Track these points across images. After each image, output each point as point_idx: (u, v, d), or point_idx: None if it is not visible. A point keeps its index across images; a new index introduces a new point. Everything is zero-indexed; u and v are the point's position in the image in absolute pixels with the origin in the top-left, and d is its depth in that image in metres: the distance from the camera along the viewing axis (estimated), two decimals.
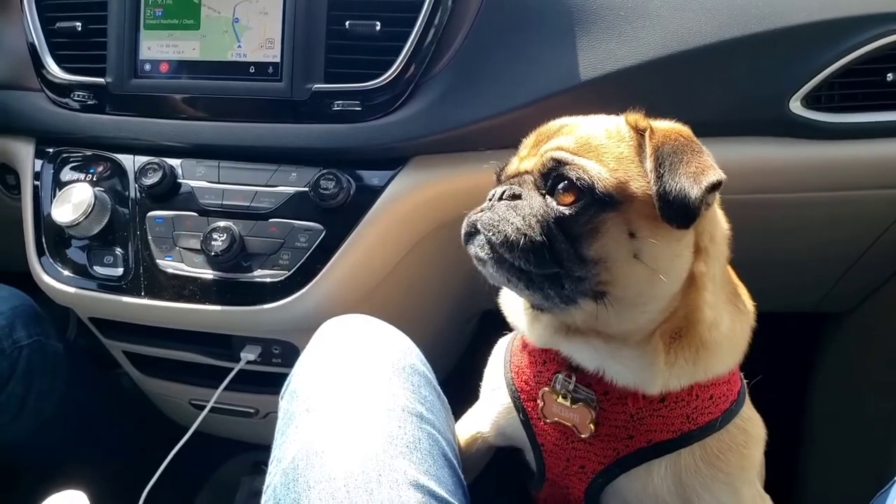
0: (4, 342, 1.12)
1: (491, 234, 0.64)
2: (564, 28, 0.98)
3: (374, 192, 1.01)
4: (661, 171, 0.60)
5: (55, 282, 1.09)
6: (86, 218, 1.03)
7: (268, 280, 1.01)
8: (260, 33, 1.02)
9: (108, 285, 1.07)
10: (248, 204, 1.02)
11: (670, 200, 0.59)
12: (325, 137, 1.01)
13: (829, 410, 1.50)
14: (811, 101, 0.95)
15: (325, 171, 1.00)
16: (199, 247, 1.01)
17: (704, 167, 0.60)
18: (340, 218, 1.00)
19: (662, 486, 0.70)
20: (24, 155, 1.15)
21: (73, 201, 1.04)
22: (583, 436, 0.72)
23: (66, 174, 1.11)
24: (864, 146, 0.96)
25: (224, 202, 1.03)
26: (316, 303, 1.01)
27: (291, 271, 1.00)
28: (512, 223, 0.63)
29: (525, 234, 0.62)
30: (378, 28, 0.98)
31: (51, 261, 1.10)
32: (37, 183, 1.13)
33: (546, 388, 0.75)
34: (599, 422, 0.71)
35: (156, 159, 1.06)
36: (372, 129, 0.99)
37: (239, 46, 1.03)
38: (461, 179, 1.01)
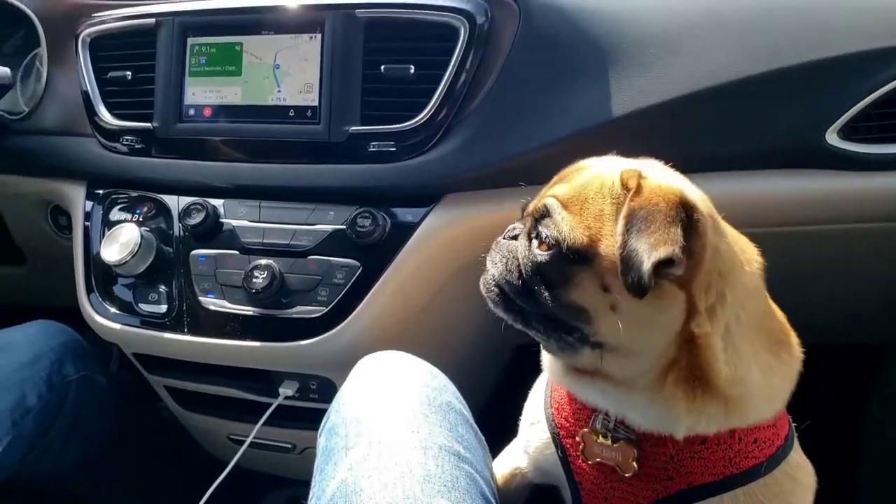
0: (54, 377, 1.16)
1: (491, 272, 0.70)
2: (595, 65, 1.00)
3: (409, 229, 1.03)
4: (627, 237, 0.59)
5: (102, 318, 1.13)
6: (132, 257, 1.07)
7: (306, 316, 1.03)
8: (299, 78, 1.06)
9: (152, 322, 1.10)
10: (287, 242, 1.05)
11: (628, 267, 0.58)
12: (361, 177, 1.03)
13: (884, 451, 1.44)
14: (848, 133, 0.94)
15: (361, 209, 1.02)
16: (240, 284, 1.04)
17: (661, 241, 0.57)
18: (376, 254, 1.02)
19: None
20: (76, 196, 1.21)
21: (121, 241, 1.08)
22: (626, 475, 0.71)
23: (115, 214, 1.16)
24: None
25: (265, 240, 1.06)
26: (353, 338, 1.02)
27: (329, 307, 1.02)
28: (499, 264, 0.70)
29: (506, 277, 0.68)
30: (412, 71, 1.01)
31: (98, 298, 1.14)
32: (87, 223, 1.18)
33: (586, 430, 0.74)
34: (640, 461, 0.70)
35: (199, 200, 1.10)
36: (406, 168, 1.02)
37: (279, 91, 1.07)
38: (493, 215, 1.02)
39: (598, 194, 0.64)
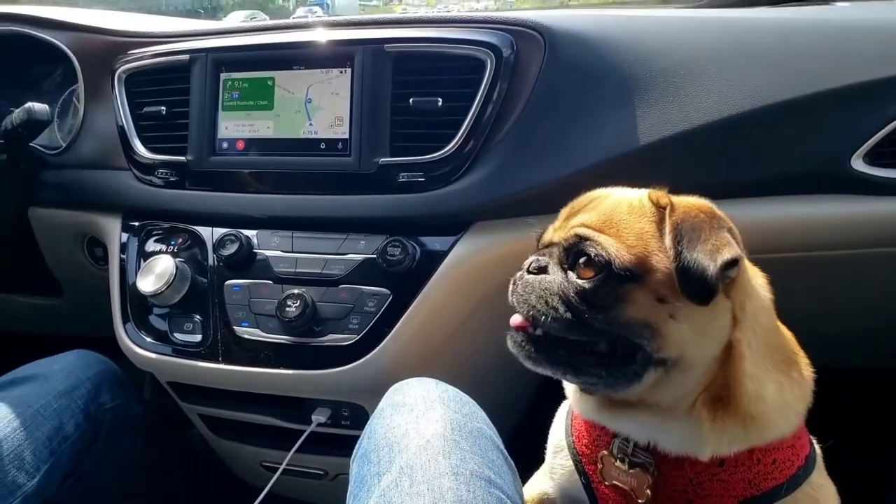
0: (91, 406, 1.18)
1: (525, 311, 0.68)
2: (620, 95, 1.02)
3: (438, 257, 1.05)
4: (680, 248, 0.62)
5: (138, 348, 1.15)
6: (168, 287, 1.10)
7: (338, 344, 1.05)
8: (330, 112, 1.09)
9: (187, 351, 1.12)
10: (319, 271, 1.07)
11: (689, 276, 0.61)
12: (391, 207, 1.06)
13: None
14: (874, 158, 0.95)
15: (391, 238, 1.04)
16: (273, 313, 1.06)
17: (721, 244, 0.62)
18: (406, 282, 1.04)
19: None
20: (112, 229, 1.24)
21: (157, 272, 1.11)
22: (640, 501, 0.72)
23: (150, 246, 1.19)
24: None
25: (297, 270, 1.09)
26: (384, 365, 1.04)
27: (360, 335, 1.04)
28: (539, 302, 0.67)
29: (550, 313, 0.66)
30: (440, 104, 1.04)
31: (134, 328, 1.17)
32: (123, 255, 1.21)
33: (605, 452, 0.75)
34: (658, 486, 0.71)
35: (233, 231, 1.13)
36: (435, 198, 1.04)
37: (310, 124, 1.10)
38: (520, 242, 1.03)
39: (630, 216, 0.66)
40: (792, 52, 1.00)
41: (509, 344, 0.72)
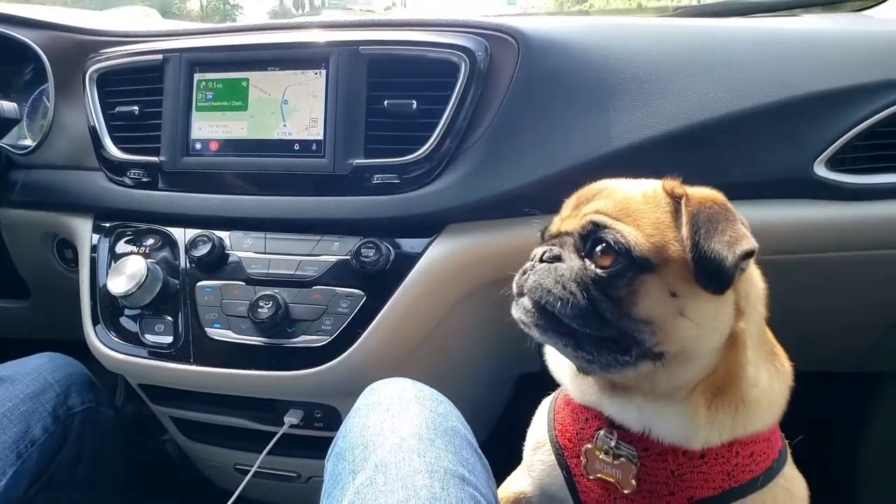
0: (59, 409, 1.16)
1: (538, 296, 0.67)
2: (591, 100, 1.03)
3: (412, 259, 1.05)
4: (697, 238, 0.62)
5: (108, 350, 1.14)
6: (139, 288, 1.09)
7: (311, 345, 1.04)
8: (305, 113, 1.09)
9: (158, 353, 1.11)
10: (292, 272, 1.07)
11: (706, 267, 0.61)
12: (365, 209, 1.06)
13: (883, 469, 1.46)
14: (835, 164, 0.98)
15: (365, 239, 1.05)
16: (245, 314, 1.05)
17: (739, 236, 0.63)
18: (380, 284, 1.04)
19: None
20: (83, 230, 1.22)
21: (128, 273, 1.10)
22: (625, 491, 0.73)
23: (121, 247, 1.18)
24: (889, 206, 0.99)
25: (270, 271, 1.08)
26: (356, 366, 1.04)
27: (333, 336, 1.04)
28: (556, 287, 0.66)
29: (569, 298, 0.65)
30: (414, 106, 1.04)
31: (105, 329, 1.15)
32: (93, 255, 1.19)
33: (589, 445, 0.76)
34: (641, 478, 0.72)
35: (205, 232, 1.12)
36: (409, 200, 1.05)
37: (284, 125, 1.10)
38: (494, 245, 1.05)
39: (646, 205, 0.67)
40: (759, 62, 1.02)
41: (514, 311, 0.71)
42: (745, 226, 0.66)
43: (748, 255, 0.63)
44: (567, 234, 0.71)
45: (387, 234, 1.06)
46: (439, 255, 1.05)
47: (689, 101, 0.99)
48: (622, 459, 0.73)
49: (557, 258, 0.69)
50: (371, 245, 1.04)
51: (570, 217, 0.72)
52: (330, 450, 0.84)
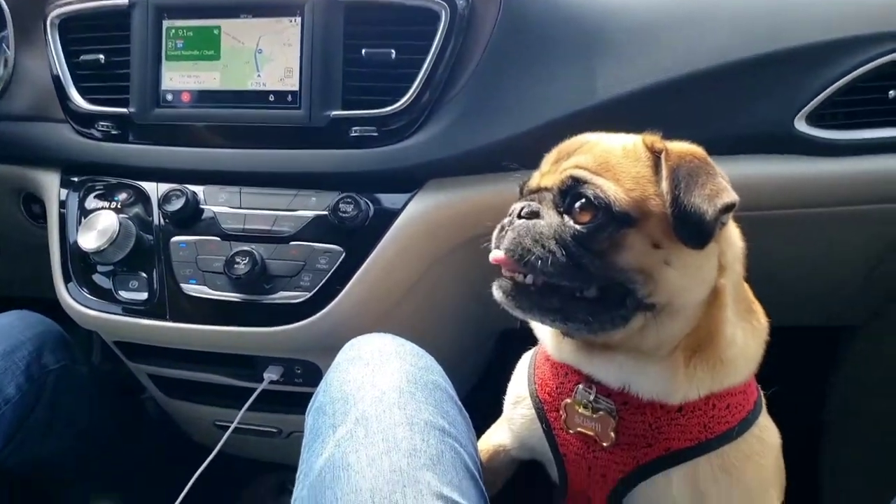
0: (33, 367, 1.15)
1: (517, 255, 0.66)
2: (575, 52, 1.01)
3: (392, 215, 1.04)
4: (677, 193, 0.62)
5: (81, 307, 1.11)
6: (111, 244, 1.06)
7: (289, 301, 1.03)
8: (280, 63, 1.05)
9: (133, 309, 1.09)
10: (269, 228, 1.05)
11: (686, 220, 0.61)
12: (343, 162, 1.04)
13: (847, 416, 1.52)
14: (816, 119, 0.98)
15: (343, 194, 1.03)
16: (222, 270, 1.03)
17: (719, 189, 0.63)
18: (359, 240, 1.03)
19: (681, 494, 0.72)
20: (50, 184, 1.18)
21: (99, 228, 1.07)
22: (604, 444, 0.74)
23: (91, 202, 1.14)
24: (868, 161, 0.99)
25: (246, 227, 1.06)
26: (336, 323, 1.03)
27: (312, 292, 1.03)
28: (535, 246, 0.65)
29: (548, 256, 0.64)
30: (393, 56, 1.01)
31: (77, 287, 1.12)
32: (62, 211, 1.16)
33: (568, 400, 0.77)
34: (619, 431, 0.73)
35: (178, 186, 1.09)
36: (389, 153, 1.03)
37: (259, 76, 1.07)
38: (476, 200, 1.04)
39: (625, 159, 0.66)
40: (745, 14, 1.01)
41: (496, 292, 0.70)
42: (725, 180, 0.65)
43: (728, 208, 0.63)
44: (546, 189, 0.70)
45: (366, 189, 1.04)
46: (420, 211, 1.04)
47: (672, 55, 0.98)
48: (601, 413, 0.74)
49: (536, 214, 0.68)
50: (350, 200, 1.02)
51: (550, 172, 0.71)
52: (310, 404, 0.84)
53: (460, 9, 1.00)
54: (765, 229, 1.06)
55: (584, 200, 0.65)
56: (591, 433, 0.75)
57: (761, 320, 0.75)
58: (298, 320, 1.03)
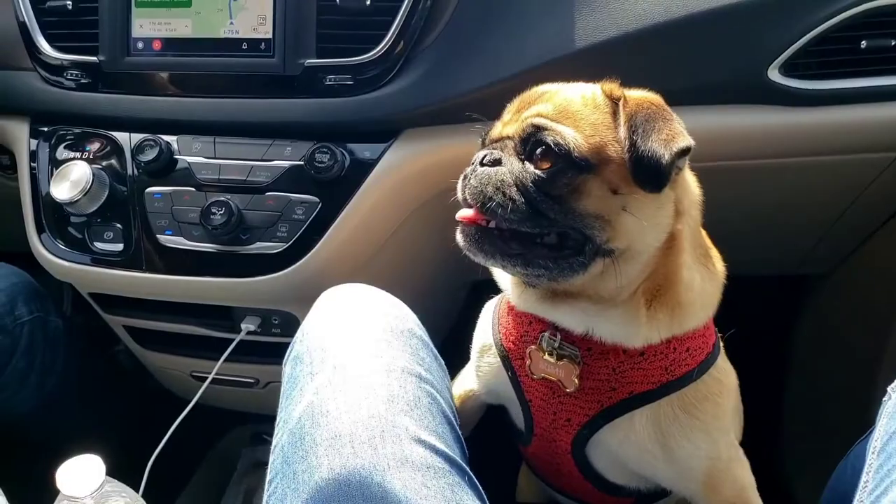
0: (6, 319, 1.14)
1: (478, 202, 0.67)
2: (550, 1, 1.00)
3: (368, 165, 1.03)
4: (635, 138, 0.63)
5: (55, 258, 1.11)
6: (84, 195, 1.05)
7: (266, 252, 1.03)
8: (253, 10, 1.03)
9: (108, 261, 1.09)
10: (244, 178, 1.05)
11: (643, 165, 0.63)
12: (318, 112, 1.03)
13: (810, 361, 1.56)
14: (789, 69, 0.98)
15: (319, 144, 1.02)
16: (198, 221, 1.03)
17: (674, 134, 0.64)
18: (336, 190, 1.03)
19: (644, 434, 0.74)
20: (20, 134, 1.16)
21: (72, 179, 1.05)
22: (568, 390, 0.76)
23: (63, 153, 1.12)
24: (839, 112, 1.00)
25: (221, 177, 1.05)
26: (313, 273, 1.03)
27: (289, 243, 1.03)
28: (496, 193, 0.67)
29: (508, 204, 0.66)
30: (368, 3, 1.00)
31: (50, 238, 1.11)
32: (33, 163, 1.14)
33: (533, 347, 0.78)
34: (583, 376, 0.75)
35: (152, 136, 1.07)
36: (364, 102, 1.02)
37: (231, 23, 1.05)
38: (451, 150, 1.04)
39: (585, 107, 0.67)
40: None
41: (459, 238, 0.71)
42: (680, 125, 0.67)
43: (684, 152, 0.64)
44: (508, 137, 0.71)
45: (341, 139, 1.04)
46: (395, 161, 1.04)
47: (645, 3, 0.97)
48: (565, 360, 0.75)
49: (498, 162, 0.69)
50: (325, 150, 1.02)
51: (511, 121, 0.72)
52: (287, 354, 0.85)
53: None
54: (735, 178, 1.08)
55: (544, 147, 0.66)
56: (554, 379, 0.76)
57: (718, 266, 0.76)
58: (276, 271, 1.04)
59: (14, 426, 1.24)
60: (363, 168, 1.03)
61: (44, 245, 1.11)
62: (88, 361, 1.36)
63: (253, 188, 1.04)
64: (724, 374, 0.78)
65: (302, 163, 1.03)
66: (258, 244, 1.04)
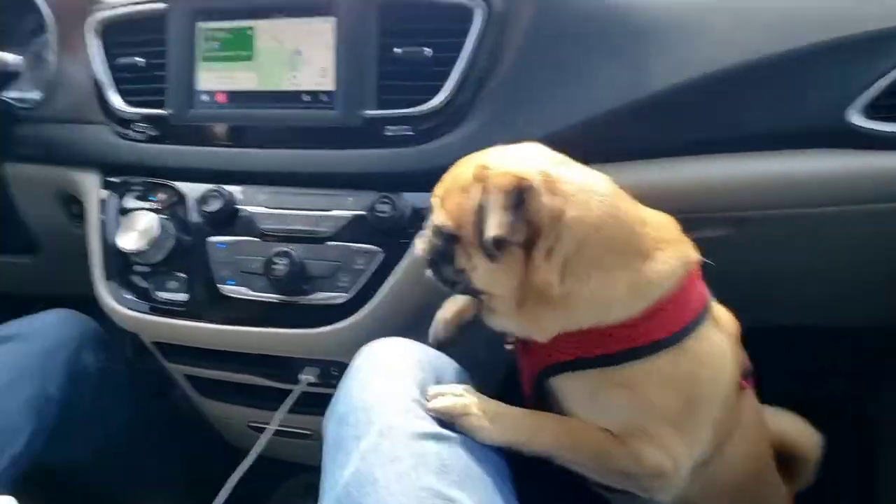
0: (74, 367, 1.16)
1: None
2: (616, 46, 0.99)
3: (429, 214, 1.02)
4: (481, 225, 0.75)
5: (121, 307, 1.13)
6: (152, 245, 1.07)
7: (328, 302, 1.03)
8: (315, 63, 1.05)
9: (172, 310, 1.10)
10: (307, 228, 1.05)
11: (480, 243, 0.76)
12: (379, 162, 1.03)
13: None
14: (871, 111, 0.93)
15: (381, 194, 1.02)
16: (260, 271, 1.03)
17: (496, 224, 0.74)
18: (396, 240, 1.02)
19: (573, 388, 0.84)
20: (90, 185, 1.20)
21: (139, 229, 1.08)
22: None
23: (130, 203, 1.15)
24: None
25: (283, 227, 1.06)
26: (374, 323, 1.02)
27: (350, 293, 1.02)
28: (422, 244, 0.87)
29: (426, 258, 0.86)
30: (428, 54, 1.00)
31: (117, 287, 1.14)
32: (102, 211, 1.17)
33: None
34: (530, 345, 0.87)
35: (216, 187, 1.09)
36: (424, 152, 1.02)
37: (294, 76, 1.06)
38: None
39: (455, 191, 0.81)
40: (791, 4, 0.97)
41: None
42: (532, 203, 0.74)
43: (497, 241, 0.74)
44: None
45: (402, 189, 1.03)
46: None
47: (718, 46, 0.94)
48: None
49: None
50: (387, 200, 1.01)
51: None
52: (328, 412, 0.83)
53: (496, 4, 0.98)
54: (817, 225, 1.03)
55: (430, 220, 0.85)
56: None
57: (658, 262, 0.79)
58: (337, 321, 1.03)
59: (76, 474, 1.26)
60: (424, 217, 1.02)
61: (110, 294, 1.13)
62: (150, 409, 1.38)
63: (315, 238, 1.05)
64: (676, 368, 0.81)
65: (364, 213, 1.03)
66: (320, 294, 1.04)
